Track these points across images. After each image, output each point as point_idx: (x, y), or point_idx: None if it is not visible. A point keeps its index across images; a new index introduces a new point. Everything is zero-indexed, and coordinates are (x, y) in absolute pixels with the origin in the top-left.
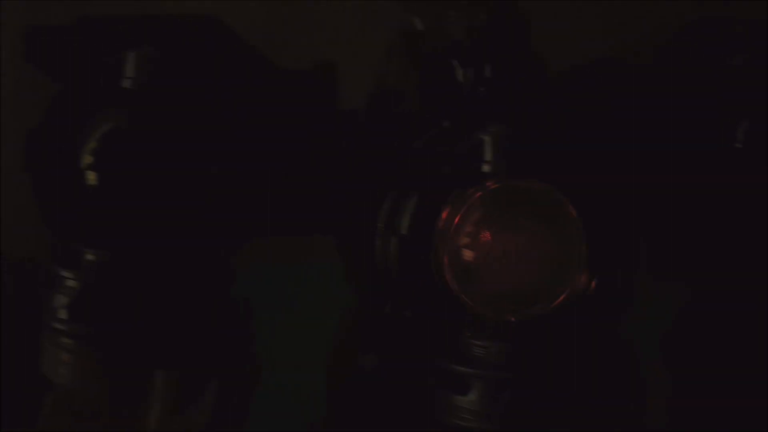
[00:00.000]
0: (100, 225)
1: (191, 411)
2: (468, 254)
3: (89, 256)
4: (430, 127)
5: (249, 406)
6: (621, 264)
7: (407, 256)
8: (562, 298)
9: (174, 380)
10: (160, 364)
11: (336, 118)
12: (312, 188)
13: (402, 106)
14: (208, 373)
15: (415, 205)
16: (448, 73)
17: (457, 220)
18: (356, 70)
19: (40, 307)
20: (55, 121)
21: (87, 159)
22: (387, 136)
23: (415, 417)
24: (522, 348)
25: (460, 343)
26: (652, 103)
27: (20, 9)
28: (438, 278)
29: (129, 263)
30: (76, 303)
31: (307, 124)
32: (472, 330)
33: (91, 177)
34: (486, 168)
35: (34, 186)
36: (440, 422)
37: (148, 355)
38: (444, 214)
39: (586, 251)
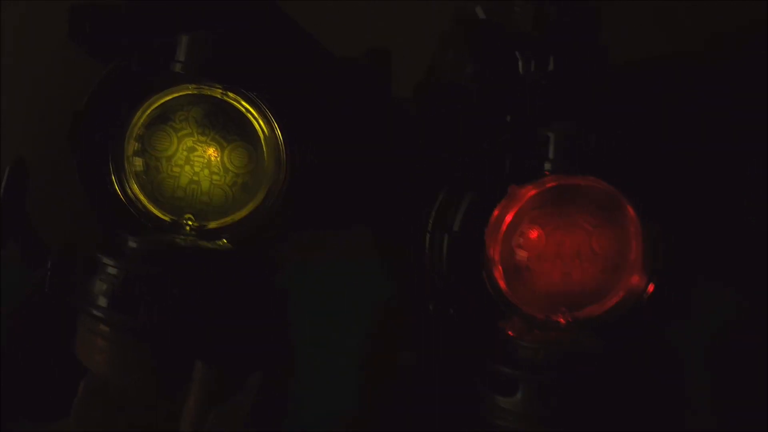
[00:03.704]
0: (143, 213)
1: (229, 405)
2: (520, 253)
3: (133, 245)
4: (488, 122)
5: (287, 401)
6: (680, 268)
7: (458, 254)
8: (615, 300)
9: (214, 373)
10: (201, 357)
11: (388, 108)
12: (358, 180)
13: (457, 97)
14: (249, 367)
15: (469, 202)
16: (509, 65)
17: (510, 217)
18: (411, 58)
19: (74, 292)
20: (101, 106)
21: (134, 145)
22: (440, 129)
23: (453, 416)
24: (571, 351)
25: (507, 344)
26: (718, 101)
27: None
28: (487, 277)
29: (172, 254)
30: (117, 292)
31: (359, 113)
32: (519, 331)
33: (138, 163)
34: (548, 167)
35: (79, 172)
36: (483, 422)
37: (189, 347)
38: (497, 211)
39: (643, 253)
